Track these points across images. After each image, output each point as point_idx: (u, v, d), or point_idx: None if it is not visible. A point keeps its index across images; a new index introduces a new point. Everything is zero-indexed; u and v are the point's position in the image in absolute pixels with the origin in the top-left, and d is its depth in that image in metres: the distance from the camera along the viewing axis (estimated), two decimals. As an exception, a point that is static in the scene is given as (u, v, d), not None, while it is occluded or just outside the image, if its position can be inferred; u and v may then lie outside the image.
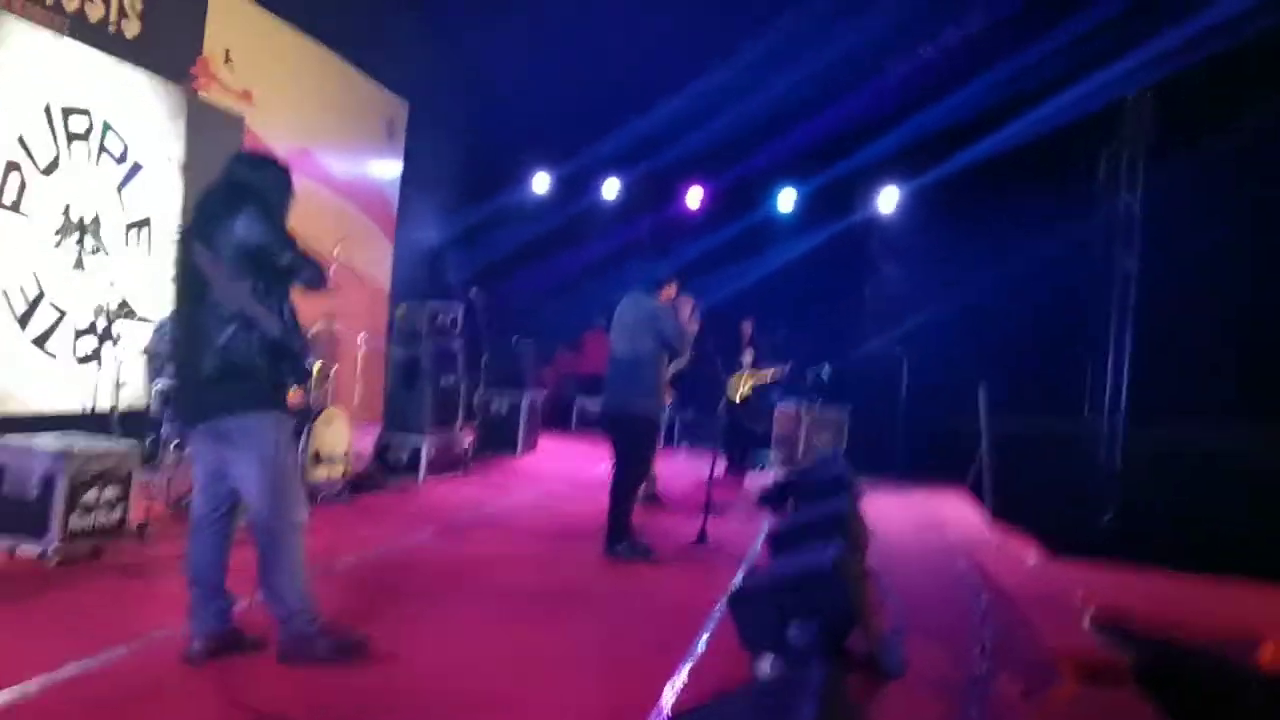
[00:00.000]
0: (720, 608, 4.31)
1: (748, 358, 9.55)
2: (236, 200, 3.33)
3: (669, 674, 3.70)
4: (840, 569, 3.80)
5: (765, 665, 3.73)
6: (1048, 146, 10.00)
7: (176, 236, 3.45)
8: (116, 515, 4.54)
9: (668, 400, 7.39)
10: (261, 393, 3.32)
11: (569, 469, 9.32)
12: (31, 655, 3.22)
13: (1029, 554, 6.82)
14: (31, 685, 3.03)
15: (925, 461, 10.95)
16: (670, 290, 5.93)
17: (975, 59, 9.67)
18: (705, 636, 4.20)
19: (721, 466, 9.93)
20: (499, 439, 9.72)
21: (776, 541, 5.34)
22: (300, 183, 10.25)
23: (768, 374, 9.81)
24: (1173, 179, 9.34)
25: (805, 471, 8.31)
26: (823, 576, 3.80)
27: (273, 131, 9.25)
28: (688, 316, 5.99)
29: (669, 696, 3.49)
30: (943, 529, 7.53)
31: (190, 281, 3.35)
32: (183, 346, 3.44)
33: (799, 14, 9.61)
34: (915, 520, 7.92)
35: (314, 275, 3.37)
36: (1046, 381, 10.72)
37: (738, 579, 5.20)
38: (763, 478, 9.57)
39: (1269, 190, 9.12)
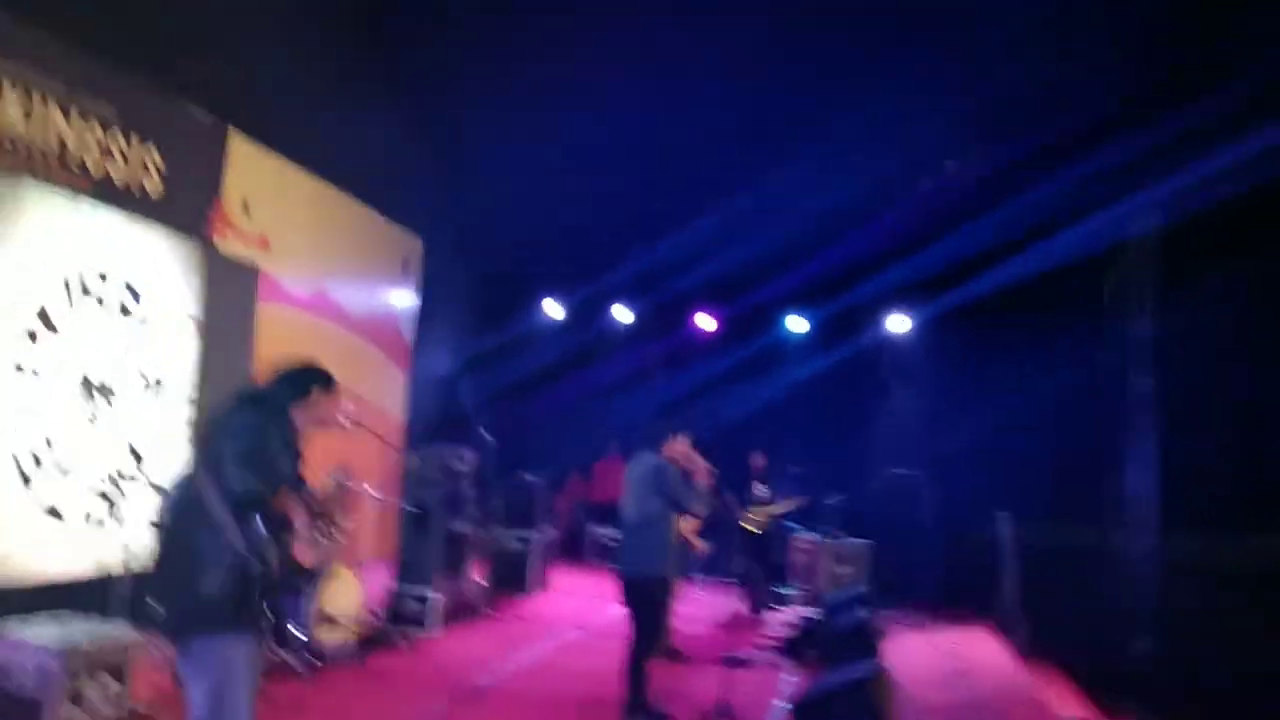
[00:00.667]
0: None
1: (760, 491, 9.41)
2: (238, 411, 3.34)
3: None
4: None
5: None
6: (1056, 277, 10.03)
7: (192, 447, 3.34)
8: (117, 710, 4.38)
9: (700, 552, 7.24)
10: (222, 613, 3.15)
11: (583, 610, 9.09)
12: None
13: (1064, 704, 6.53)
14: None
15: (951, 590, 10.68)
16: (679, 445, 5.84)
17: (978, 197, 9.81)
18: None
19: (743, 605, 9.74)
20: (511, 578, 9.53)
21: (802, 714, 5.12)
22: (315, 322, 10.31)
23: (781, 507, 9.66)
24: (1183, 305, 9.35)
25: (828, 612, 8.07)
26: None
27: (288, 274, 9.37)
28: (701, 473, 5.88)
29: None
30: (971, 679, 7.24)
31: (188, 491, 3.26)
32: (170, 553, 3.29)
33: (809, 148, 9.79)
34: (942, 668, 7.63)
35: (256, 500, 3.20)
36: (1071, 499, 10.52)
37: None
38: (784, 616, 9.31)
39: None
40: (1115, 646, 9.40)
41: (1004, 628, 9.37)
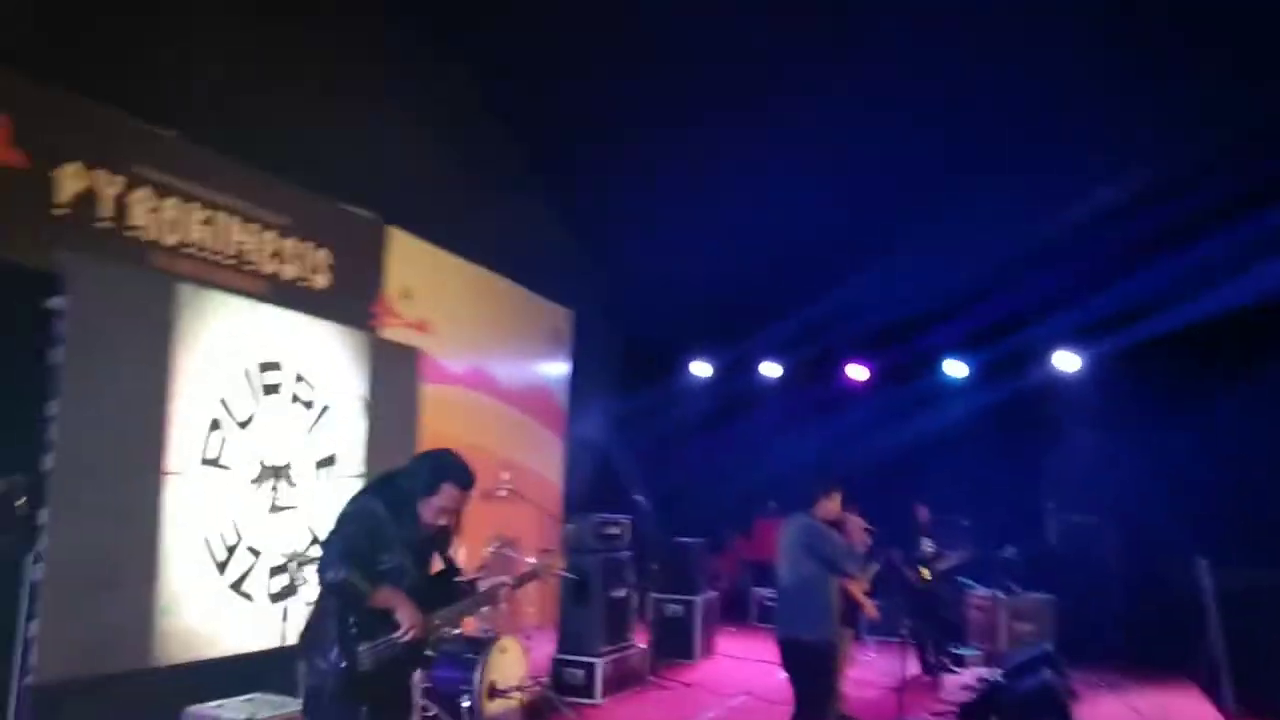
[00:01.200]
0: None
1: (929, 546, 9.02)
2: (360, 496, 3.51)
3: None
4: None
5: None
6: (1243, 315, 9.32)
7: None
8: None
9: (870, 614, 6.99)
10: (322, 708, 3.28)
11: (750, 675, 8.90)
12: None
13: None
14: None
15: (1144, 645, 9.88)
16: (832, 504, 5.67)
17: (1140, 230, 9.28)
18: None
19: (915, 667, 9.30)
20: (675, 645, 9.45)
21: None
22: (475, 397, 10.66)
23: (949, 561, 9.23)
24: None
25: (1009, 674, 7.60)
26: None
27: (448, 354, 9.82)
28: (857, 532, 5.69)
29: None
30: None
31: None
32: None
33: (949, 193, 9.55)
34: (1142, 732, 7.04)
35: (353, 595, 3.23)
36: (1266, 539, 9.59)
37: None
38: (962, 679, 8.83)
39: None
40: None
41: (1208, 684, 8.58)
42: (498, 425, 10.67)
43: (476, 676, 6.29)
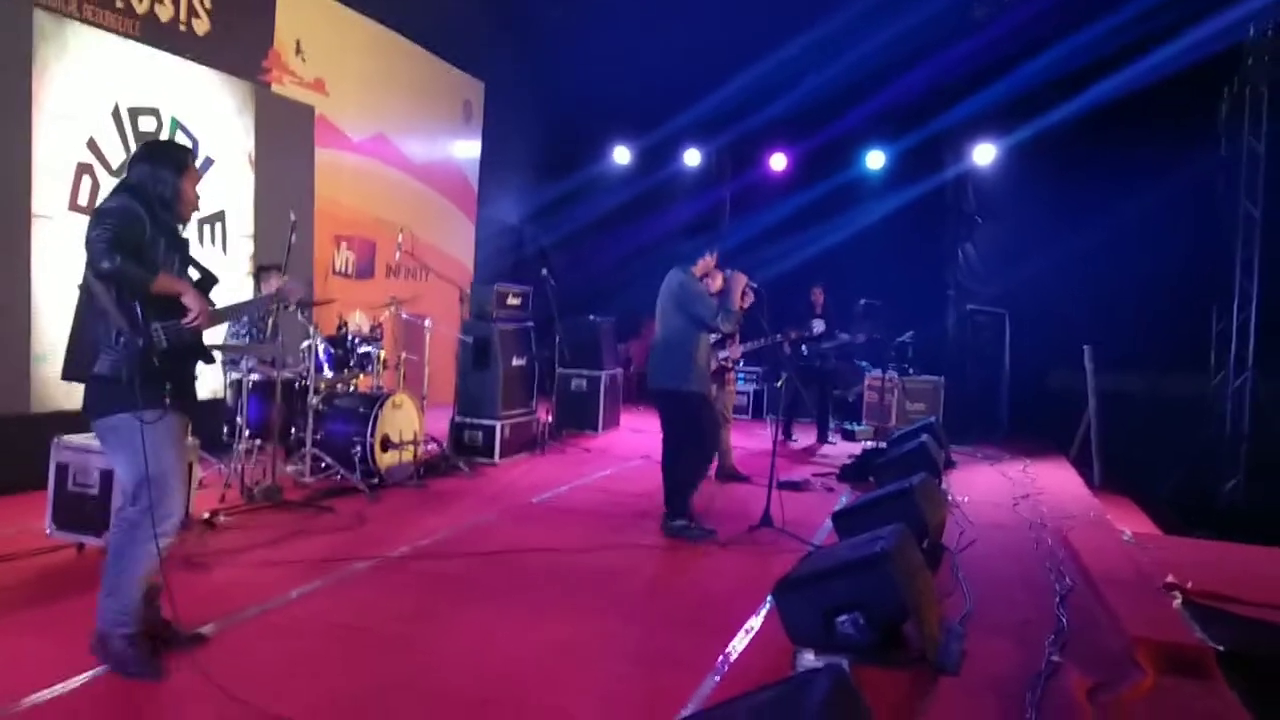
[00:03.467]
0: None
1: (818, 326, 9.23)
2: (114, 193, 3.28)
3: (709, 668, 3.56)
4: (890, 557, 3.56)
5: (808, 660, 3.55)
6: (1159, 93, 9.32)
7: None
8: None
9: (731, 372, 7.24)
10: (124, 393, 3.16)
11: (652, 444, 9.17)
12: (75, 655, 3.29)
13: (1128, 528, 6.38)
14: (74, 682, 3.12)
15: (1030, 429, 10.46)
16: (708, 261, 5.74)
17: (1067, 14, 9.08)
18: (754, 628, 4.03)
19: (812, 437, 9.77)
20: (580, 417, 9.71)
21: (841, 522, 5.11)
22: (376, 168, 10.35)
23: (838, 340, 9.48)
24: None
25: (891, 443, 7.99)
26: (871, 565, 3.57)
27: (347, 119, 9.38)
28: (725, 289, 5.74)
29: (705, 692, 3.36)
30: (1037, 501, 7.11)
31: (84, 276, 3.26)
32: (72, 334, 3.35)
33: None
34: (1009, 491, 7.51)
35: (134, 282, 3.11)
36: (1164, 338, 10.08)
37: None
38: (850, 448, 9.27)
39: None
40: (1203, 489, 9.12)
41: (1078, 462, 9.15)
42: (401, 198, 10.38)
43: (369, 429, 6.36)
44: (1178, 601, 4.41)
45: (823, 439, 9.76)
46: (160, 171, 3.34)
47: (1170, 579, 4.66)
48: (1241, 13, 9.07)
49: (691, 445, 5.55)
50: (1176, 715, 3.31)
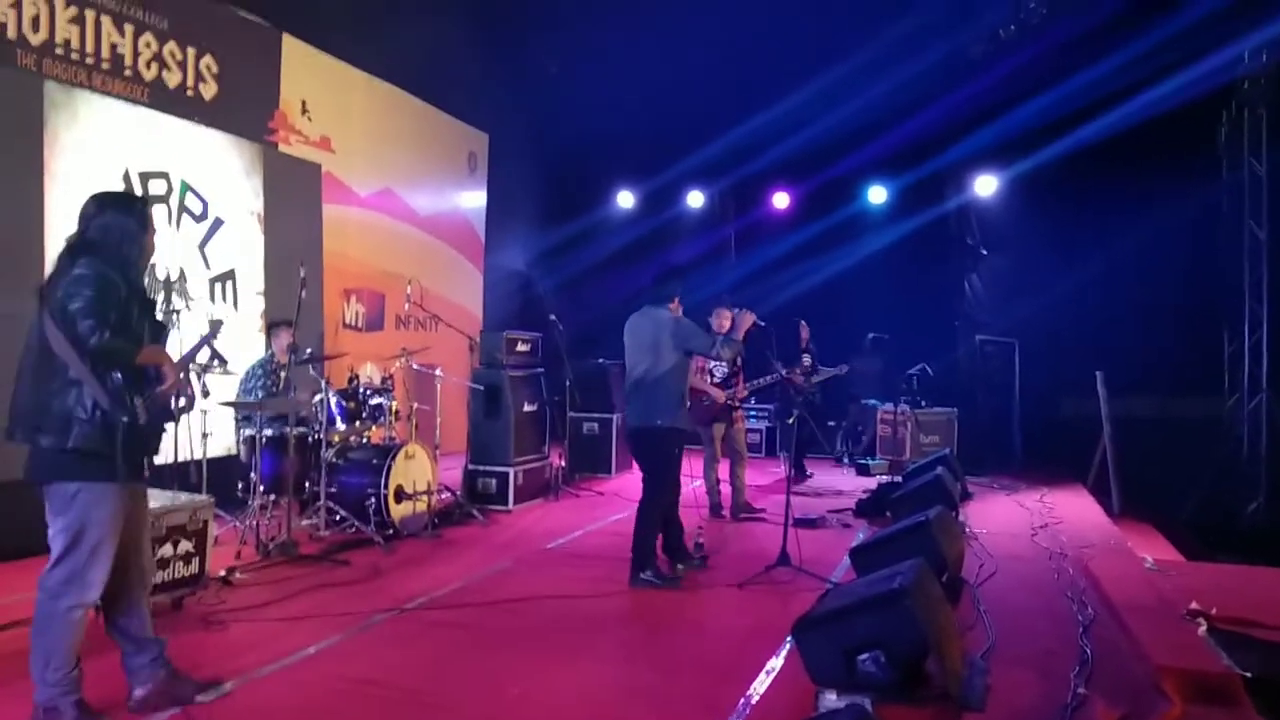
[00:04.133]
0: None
1: (806, 361, 9.22)
2: (74, 254, 3.16)
3: (731, 710, 3.53)
4: (909, 593, 3.54)
5: (830, 700, 3.51)
6: (1161, 124, 9.36)
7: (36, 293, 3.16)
8: (193, 568, 4.65)
9: (720, 398, 7.26)
10: (98, 465, 3.09)
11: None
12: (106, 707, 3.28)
13: (1149, 555, 6.31)
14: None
15: (1045, 458, 10.39)
16: (676, 305, 5.70)
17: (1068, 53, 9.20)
18: (774, 668, 4.00)
19: (822, 471, 9.70)
20: (593, 461, 9.70)
21: (859, 559, 5.08)
22: (383, 221, 10.44)
23: (825, 374, 9.47)
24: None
25: (907, 476, 7.94)
26: (890, 602, 3.55)
27: (353, 175, 9.51)
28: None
29: (727, 736, 3.32)
30: (1056, 531, 7.05)
31: (37, 339, 3.15)
32: (25, 399, 3.18)
33: (882, 14, 9.33)
34: (1027, 521, 7.45)
35: (120, 357, 3.07)
36: (1174, 361, 10.06)
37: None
38: (866, 483, 9.21)
39: None
40: (1223, 512, 9.03)
41: (1096, 489, 9.08)
42: (409, 250, 10.48)
43: (382, 480, 6.37)
44: (1202, 628, 4.35)
45: (800, 473, 9.61)
46: (125, 227, 3.25)
47: (1194, 605, 4.60)
48: (1231, 54, 9.16)
49: (672, 484, 5.53)
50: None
